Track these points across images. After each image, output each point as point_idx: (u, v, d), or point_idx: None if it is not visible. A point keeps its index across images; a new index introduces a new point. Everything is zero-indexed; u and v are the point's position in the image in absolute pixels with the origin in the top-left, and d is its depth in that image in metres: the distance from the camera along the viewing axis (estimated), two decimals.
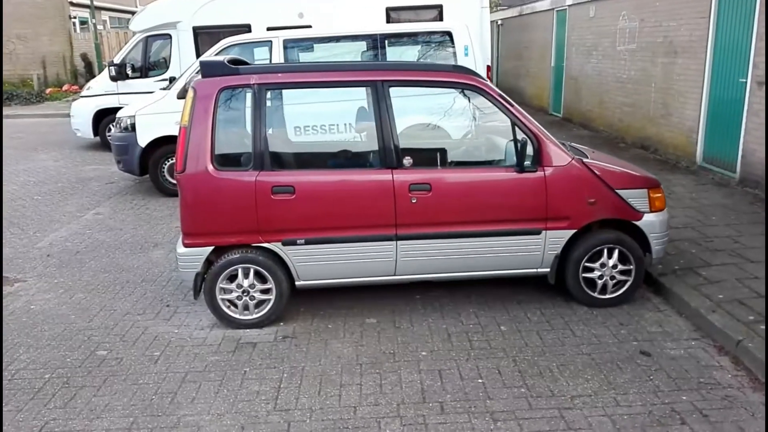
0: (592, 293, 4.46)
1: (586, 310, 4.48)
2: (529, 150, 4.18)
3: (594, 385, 3.55)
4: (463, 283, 4.78)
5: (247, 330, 4.37)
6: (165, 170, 8.26)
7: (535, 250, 4.33)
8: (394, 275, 4.38)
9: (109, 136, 11.88)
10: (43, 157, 11.39)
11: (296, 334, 4.28)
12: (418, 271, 4.39)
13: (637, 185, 4.38)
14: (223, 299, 4.35)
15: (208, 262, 4.30)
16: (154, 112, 8.17)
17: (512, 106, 4.27)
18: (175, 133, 8.37)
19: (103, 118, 11.67)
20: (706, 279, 4.66)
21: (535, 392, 3.49)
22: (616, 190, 4.29)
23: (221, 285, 4.31)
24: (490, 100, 4.27)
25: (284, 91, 4.55)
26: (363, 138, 4.40)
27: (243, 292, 4.33)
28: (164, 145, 8.16)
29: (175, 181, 8.50)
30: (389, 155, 4.18)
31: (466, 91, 4.41)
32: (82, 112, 11.81)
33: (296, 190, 4.14)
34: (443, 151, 4.39)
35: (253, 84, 4.16)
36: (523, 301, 4.67)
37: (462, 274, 4.43)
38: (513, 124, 4.21)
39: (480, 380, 3.63)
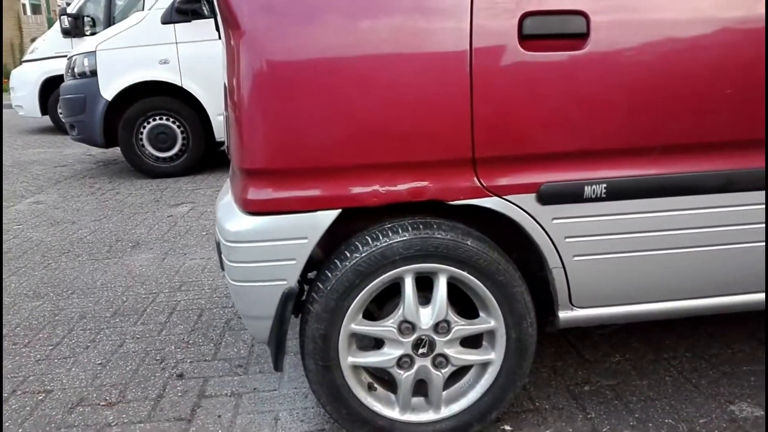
0: None
1: None
2: None
3: None
4: None
5: None
6: (144, 137, 5.34)
7: None
8: None
9: (61, 112, 8.97)
10: None
11: None
12: None
13: None
14: (355, 367, 1.51)
15: (314, 261, 1.47)
16: (125, 45, 5.26)
17: None
18: (160, 77, 5.13)
19: (54, 89, 8.69)
20: None
21: None
22: None
23: (353, 326, 1.46)
24: None
25: None
26: None
27: (418, 345, 1.49)
28: (142, 98, 5.26)
29: (162, 154, 5.77)
30: None
31: None
32: (25, 81, 8.76)
33: (593, 24, 1.33)
34: None
35: None
36: None
37: None
38: None
39: None
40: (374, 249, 1.40)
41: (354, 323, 1.45)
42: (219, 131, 5.37)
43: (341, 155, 1.33)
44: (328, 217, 1.37)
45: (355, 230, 1.46)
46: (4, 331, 2.37)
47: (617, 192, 1.41)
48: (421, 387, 1.53)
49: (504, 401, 1.55)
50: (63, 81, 8.06)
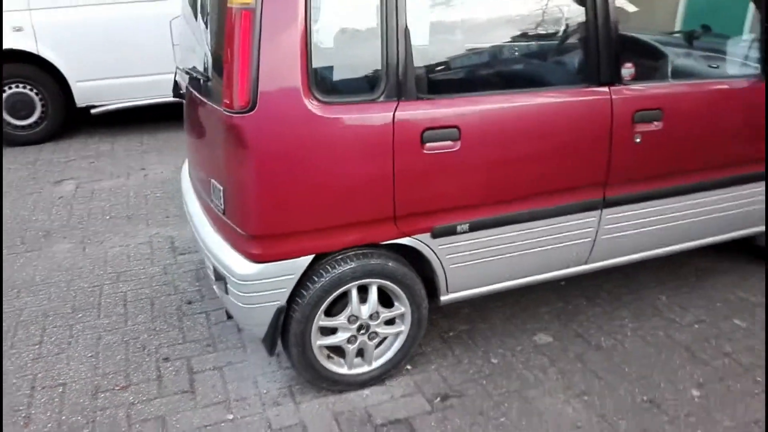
0: None
1: None
2: None
3: None
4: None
5: (364, 391, 2.43)
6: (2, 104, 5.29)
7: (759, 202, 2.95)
8: (585, 264, 2.70)
9: None
10: None
11: (454, 389, 2.45)
12: (616, 254, 2.75)
13: None
14: (321, 346, 2.34)
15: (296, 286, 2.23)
16: None
17: None
18: (14, 45, 5.36)
19: None
20: None
21: None
22: None
23: (320, 323, 2.28)
24: None
25: None
26: (561, 32, 2.52)
27: (359, 328, 2.35)
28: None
29: (21, 123, 5.58)
30: (605, 61, 2.39)
31: None
32: None
33: (463, 132, 2.19)
34: (673, 54, 2.67)
35: None
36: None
37: (669, 249, 2.89)
38: None
39: None
40: (333, 275, 2.19)
41: (321, 320, 2.26)
42: (80, 97, 5.47)
43: (315, 223, 2.09)
44: (307, 260, 2.13)
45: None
46: None
47: (475, 227, 2.34)
48: (359, 351, 2.41)
49: (409, 354, 2.48)
50: None
